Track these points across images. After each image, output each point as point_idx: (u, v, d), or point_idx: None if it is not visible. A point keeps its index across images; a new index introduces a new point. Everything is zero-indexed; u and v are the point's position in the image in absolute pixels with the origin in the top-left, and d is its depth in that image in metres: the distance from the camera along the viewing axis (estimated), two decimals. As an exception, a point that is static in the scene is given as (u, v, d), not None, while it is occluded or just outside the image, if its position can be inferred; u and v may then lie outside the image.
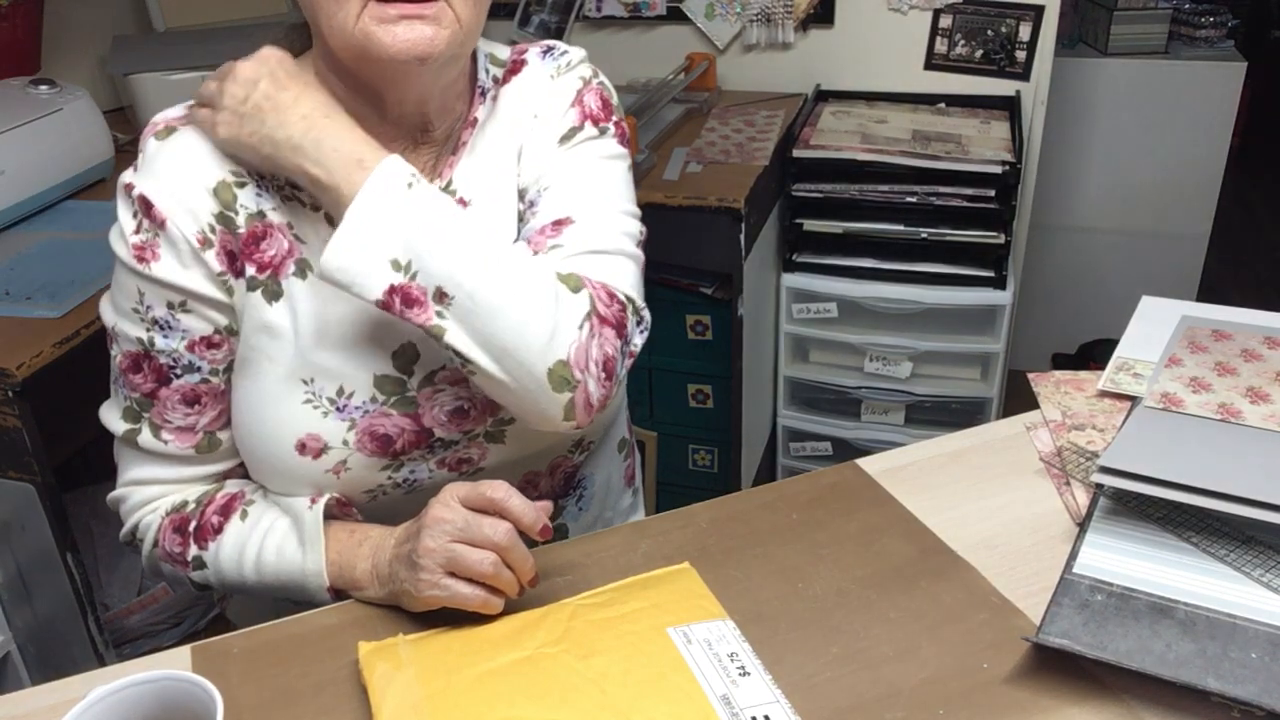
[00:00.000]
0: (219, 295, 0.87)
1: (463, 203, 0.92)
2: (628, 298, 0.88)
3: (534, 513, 0.79)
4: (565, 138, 0.94)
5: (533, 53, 0.98)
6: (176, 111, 0.90)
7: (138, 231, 0.85)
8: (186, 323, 0.87)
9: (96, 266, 1.50)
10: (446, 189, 0.92)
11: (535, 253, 0.88)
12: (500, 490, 0.79)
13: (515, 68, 0.97)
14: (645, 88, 2.28)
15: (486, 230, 0.84)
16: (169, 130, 0.88)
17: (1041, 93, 2.23)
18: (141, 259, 0.85)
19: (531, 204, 0.92)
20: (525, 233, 0.91)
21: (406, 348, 0.89)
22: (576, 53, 0.98)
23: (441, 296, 0.80)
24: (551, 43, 0.99)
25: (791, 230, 2.15)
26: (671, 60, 2.36)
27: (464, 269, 0.80)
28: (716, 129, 2.16)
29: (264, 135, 0.83)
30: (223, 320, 0.88)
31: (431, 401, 0.90)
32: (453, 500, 0.80)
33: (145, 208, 0.85)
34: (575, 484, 1.04)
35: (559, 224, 0.90)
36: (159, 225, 0.85)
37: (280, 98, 0.83)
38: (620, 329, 0.86)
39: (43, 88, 1.76)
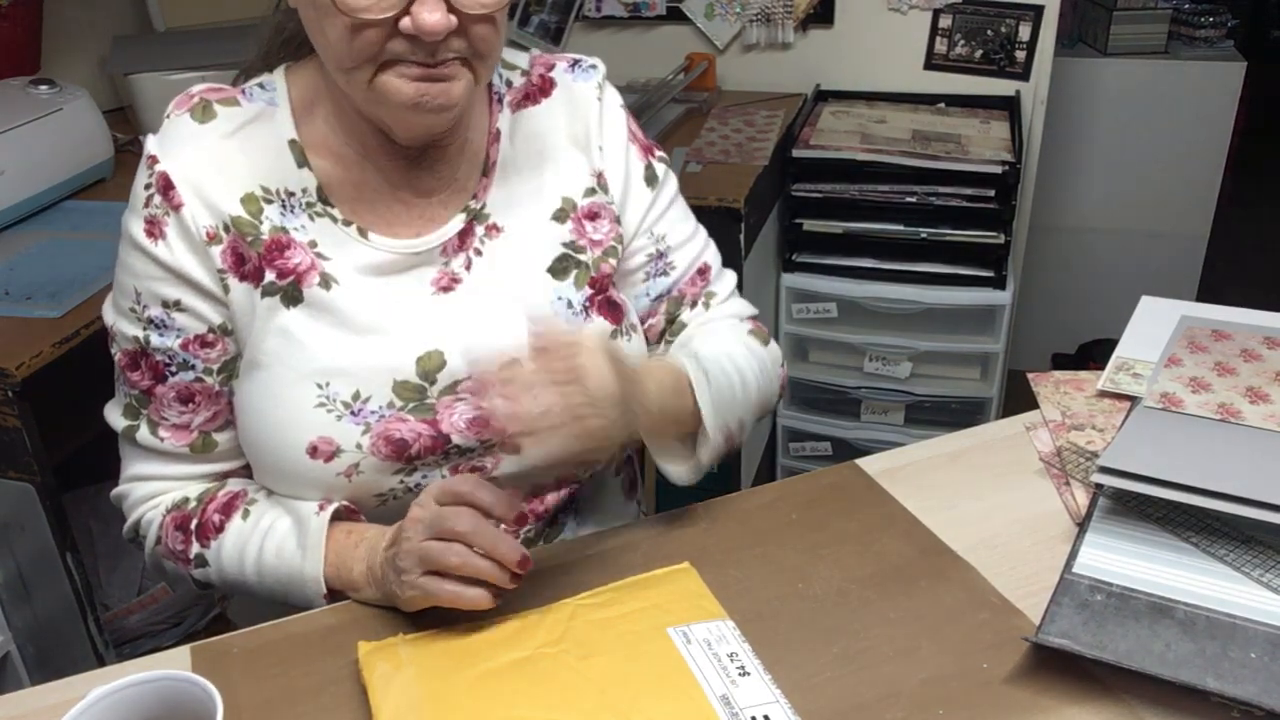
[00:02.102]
0: (215, 289, 0.87)
1: (496, 229, 0.93)
2: (759, 316, 1.07)
3: (503, 502, 0.79)
4: (649, 180, 1.00)
5: (560, 70, 0.98)
6: (217, 89, 0.90)
7: (148, 205, 0.86)
8: (181, 321, 0.88)
9: (96, 266, 1.49)
10: (481, 212, 0.93)
11: (694, 302, 1.03)
12: (468, 483, 0.79)
13: (544, 86, 0.97)
14: (645, 88, 2.28)
15: (739, 375, 0.94)
16: (205, 109, 0.88)
17: (1041, 93, 2.23)
18: (151, 235, 0.86)
19: (661, 255, 1.01)
20: (672, 285, 1.02)
21: (433, 355, 0.89)
22: (600, 65, 1.00)
23: (729, 436, 0.93)
24: (575, 56, 1.00)
25: (791, 230, 2.15)
26: (671, 60, 2.36)
27: (738, 417, 0.93)
28: (716, 129, 2.16)
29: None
30: (216, 319, 0.88)
31: (451, 409, 0.90)
32: (426, 499, 0.80)
33: (164, 187, 0.85)
34: (574, 498, 1.03)
35: (703, 272, 1.04)
36: (174, 207, 0.85)
37: None
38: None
39: (43, 88, 1.76)
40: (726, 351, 0.95)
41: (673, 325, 1.03)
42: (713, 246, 1.06)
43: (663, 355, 0.97)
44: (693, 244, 1.03)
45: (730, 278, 1.07)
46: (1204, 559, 0.81)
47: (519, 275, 0.93)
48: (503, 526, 0.79)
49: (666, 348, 1.02)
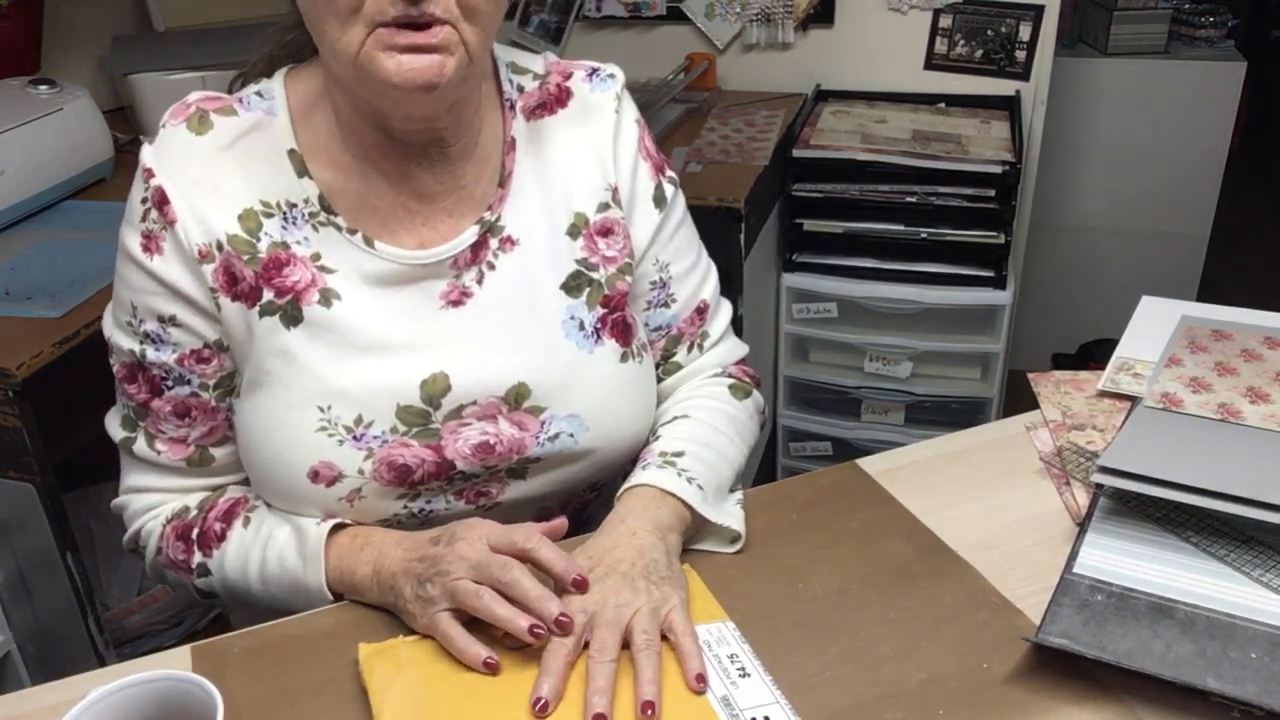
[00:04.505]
0: (209, 306, 0.87)
1: (510, 241, 0.92)
2: (746, 356, 1.07)
3: (564, 562, 0.77)
4: (657, 201, 0.98)
5: (578, 79, 0.96)
6: (214, 98, 0.88)
7: (144, 219, 0.85)
8: (176, 336, 0.87)
9: (96, 266, 1.49)
10: (495, 224, 0.91)
11: (691, 344, 1.03)
12: (531, 539, 0.78)
13: (561, 96, 0.96)
14: (645, 88, 2.27)
15: (725, 463, 0.93)
16: (202, 119, 0.87)
17: (1041, 93, 2.23)
18: (147, 249, 0.85)
19: (664, 285, 1.00)
20: (671, 321, 1.01)
21: (437, 378, 0.88)
22: (619, 75, 0.98)
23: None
24: (593, 65, 0.98)
25: (791, 230, 2.15)
26: (671, 60, 2.36)
27: (733, 484, 0.94)
28: (716, 129, 2.16)
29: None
30: (211, 335, 0.88)
31: (456, 434, 0.88)
32: (479, 539, 0.79)
33: (159, 201, 0.85)
34: (584, 522, 1.03)
35: (700, 311, 1.03)
36: (169, 222, 0.85)
37: None
38: (759, 387, 1.07)
39: (43, 88, 1.76)
40: (707, 440, 0.94)
41: (668, 363, 1.03)
42: (713, 275, 1.05)
43: (650, 468, 0.91)
44: (694, 275, 1.02)
45: (725, 312, 1.07)
46: (1204, 559, 0.81)
47: (533, 290, 0.92)
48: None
49: (661, 379, 1.02)
